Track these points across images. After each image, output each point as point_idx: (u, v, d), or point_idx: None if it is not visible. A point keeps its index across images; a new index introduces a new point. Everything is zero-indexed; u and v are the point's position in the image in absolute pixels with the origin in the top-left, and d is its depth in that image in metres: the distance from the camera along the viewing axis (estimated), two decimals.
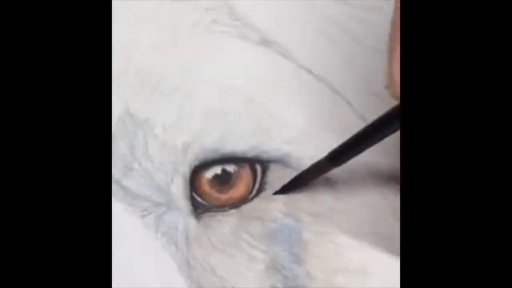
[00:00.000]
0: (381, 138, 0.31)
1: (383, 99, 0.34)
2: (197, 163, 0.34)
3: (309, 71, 0.36)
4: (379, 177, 0.34)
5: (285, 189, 0.34)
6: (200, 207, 0.34)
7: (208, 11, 0.35)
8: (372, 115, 0.35)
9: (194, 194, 0.34)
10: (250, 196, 0.34)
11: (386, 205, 0.34)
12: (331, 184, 0.34)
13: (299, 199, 0.34)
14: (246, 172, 0.34)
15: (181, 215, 0.34)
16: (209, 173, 0.34)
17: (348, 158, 0.32)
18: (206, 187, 0.34)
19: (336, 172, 0.34)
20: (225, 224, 0.34)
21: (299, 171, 0.34)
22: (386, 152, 0.34)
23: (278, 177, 0.34)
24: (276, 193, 0.34)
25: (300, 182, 0.34)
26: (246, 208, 0.34)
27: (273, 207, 0.34)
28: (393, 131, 0.31)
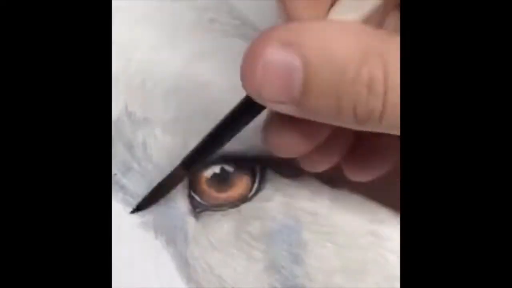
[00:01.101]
0: (231, 136, 0.31)
1: None
2: None
3: None
4: (379, 177, 0.34)
5: (144, 205, 0.33)
6: (199, 206, 0.34)
7: (207, 10, 0.35)
8: None
9: (193, 194, 0.34)
10: (249, 195, 0.34)
11: (386, 205, 0.34)
12: (331, 184, 0.34)
13: (299, 199, 0.34)
14: (245, 172, 0.34)
15: (180, 215, 0.34)
16: (208, 173, 0.34)
17: (200, 161, 0.32)
18: (205, 187, 0.34)
19: (336, 172, 0.34)
20: (224, 223, 0.34)
21: (298, 171, 0.34)
22: None
23: (277, 176, 0.35)
24: (133, 211, 0.33)
25: (159, 194, 0.33)
26: (245, 207, 0.34)
27: (273, 207, 0.34)
28: (239, 128, 0.30)
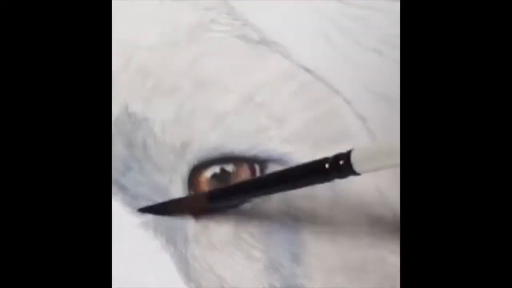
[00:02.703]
0: (264, 194, 0.32)
1: (382, 98, 0.34)
2: (196, 162, 0.34)
3: (308, 71, 0.36)
4: (379, 177, 0.34)
5: (151, 210, 0.34)
6: None
7: (207, 11, 0.36)
8: (372, 114, 0.35)
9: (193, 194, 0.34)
10: None
11: (386, 205, 0.34)
12: (331, 184, 0.34)
13: (298, 198, 0.34)
14: (245, 172, 0.34)
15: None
16: (208, 173, 0.34)
17: (228, 202, 0.33)
18: (205, 187, 0.34)
19: None
20: (224, 223, 0.34)
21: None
22: None
23: None
24: (140, 210, 0.34)
25: (170, 209, 0.34)
26: (245, 207, 0.34)
27: (272, 207, 0.34)
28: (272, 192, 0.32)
